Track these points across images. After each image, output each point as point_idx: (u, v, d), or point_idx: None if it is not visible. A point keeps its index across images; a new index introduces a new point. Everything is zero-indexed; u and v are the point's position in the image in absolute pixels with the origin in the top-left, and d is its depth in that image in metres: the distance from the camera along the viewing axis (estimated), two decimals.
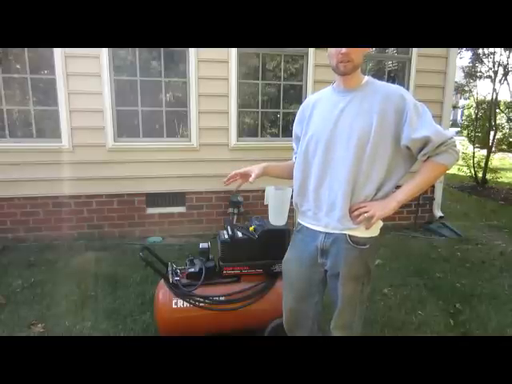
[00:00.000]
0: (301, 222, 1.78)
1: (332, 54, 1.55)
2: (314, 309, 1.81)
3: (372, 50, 4.92)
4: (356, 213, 1.52)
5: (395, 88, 1.56)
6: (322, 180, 1.62)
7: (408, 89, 4.74)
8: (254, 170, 1.81)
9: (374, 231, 1.62)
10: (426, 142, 1.47)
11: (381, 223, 1.65)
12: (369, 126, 1.51)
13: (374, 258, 1.74)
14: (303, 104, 1.79)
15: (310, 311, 1.81)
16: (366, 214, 1.50)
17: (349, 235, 1.58)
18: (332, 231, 1.62)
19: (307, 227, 1.72)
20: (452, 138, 1.49)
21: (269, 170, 1.88)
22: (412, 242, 4.45)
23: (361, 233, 1.58)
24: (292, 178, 1.82)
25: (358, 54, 1.53)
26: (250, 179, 1.77)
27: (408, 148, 1.52)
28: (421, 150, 1.50)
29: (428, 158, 1.51)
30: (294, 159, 1.90)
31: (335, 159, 1.58)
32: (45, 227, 4.17)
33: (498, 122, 8.40)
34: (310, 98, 1.77)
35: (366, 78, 1.62)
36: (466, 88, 8.32)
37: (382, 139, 1.51)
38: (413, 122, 1.48)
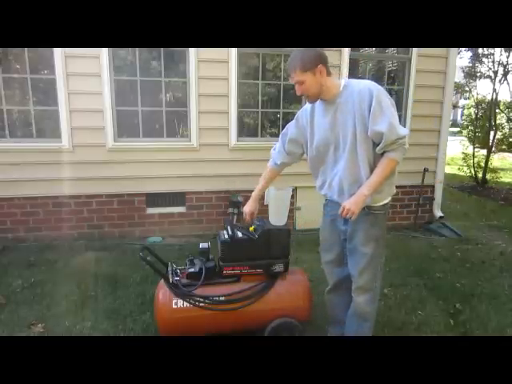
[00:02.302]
0: (326, 197, 2.12)
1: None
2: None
3: (372, 50, 4.93)
4: (343, 214, 1.82)
5: (365, 84, 1.80)
6: (332, 172, 1.95)
7: (408, 89, 4.74)
8: (247, 210, 2.25)
9: (387, 196, 1.93)
10: (381, 136, 1.75)
11: (394, 190, 1.98)
12: (354, 125, 1.79)
13: (386, 222, 2.02)
14: (299, 112, 2.07)
15: (345, 272, 2.09)
16: (349, 215, 1.80)
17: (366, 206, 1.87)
18: None
19: (331, 200, 2.04)
20: (403, 137, 1.76)
21: (261, 192, 2.24)
22: (412, 242, 4.45)
23: (374, 203, 1.89)
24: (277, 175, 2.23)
25: (309, 88, 1.80)
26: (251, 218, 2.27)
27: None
28: (378, 144, 1.78)
29: (383, 152, 1.80)
30: (274, 152, 2.20)
31: (340, 157, 1.89)
32: (45, 227, 4.16)
33: (498, 122, 8.38)
34: (306, 108, 2.03)
35: (343, 82, 1.86)
36: (466, 88, 8.32)
37: (364, 132, 1.78)
38: (375, 116, 1.74)
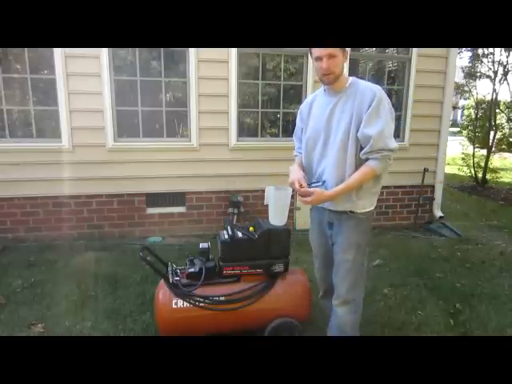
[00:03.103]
0: None
1: (316, 68, 1.80)
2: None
3: (372, 50, 4.93)
4: (299, 198, 1.81)
5: (371, 86, 1.79)
6: (319, 170, 1.89)
7: (408, 89, 4.74)
8: (295, 177, 1.91)
9: (368, 206, 1.89)
10: (368, 140, 1.72)
11: (375, 201, 1.93)
12: (350, 123, 1.76)
13: (370, 229, 1.99)
14: (302, 105, 2.05)
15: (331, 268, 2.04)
16: (304, 199, 1.80)
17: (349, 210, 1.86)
18: (331, 208, 1.89)
19: (316, 206, 1.97)
20: (390, 149, 1.72)
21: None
22: (412, 242, 4.45)
23: (355, 209, 1.85)
24: None
25: (336, 66, 1.74)
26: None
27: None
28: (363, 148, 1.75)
29: (366, 159, 1.77)
30: (296, 154, 2.14)
31: (327, 152, 1.85)
32: (45, 227, 4.16)
33: (498, 122, 8.37)
34: (307, 100, 2.03)
35: (350, 79, 1.85)
36: (466, 88, 8.31)
37: (357, 133, 1.75)
38: (369, 118, 1.71)
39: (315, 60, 1.76)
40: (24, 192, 4.06)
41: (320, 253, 2.11)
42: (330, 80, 1.79)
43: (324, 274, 2.14)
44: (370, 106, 1.72)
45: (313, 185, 1.87)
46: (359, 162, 1.80)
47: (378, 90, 1.75)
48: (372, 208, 1.92)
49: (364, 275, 1.99)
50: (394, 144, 1.75)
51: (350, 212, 1.86)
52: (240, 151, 4.44)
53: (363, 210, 1.87)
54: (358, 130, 1.75)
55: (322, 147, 1.87)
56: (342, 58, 1.74)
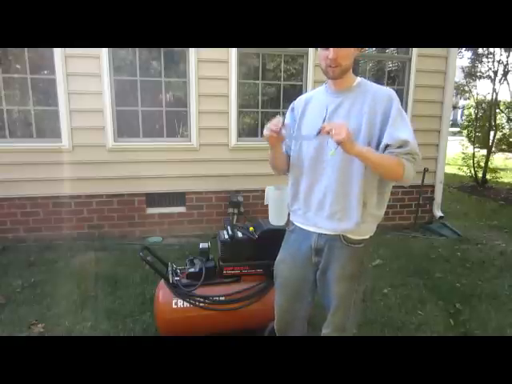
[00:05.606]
0: (293, 221, 1.78)
1: (321, 57, 1.54)
2: (306, 309, 1.82)
3: (372, 50, 4.92)
4: (330, 130, 1.38)
5: (385, 89, 1.58)
6: (313, 181, 1.63)
7: (408, 89, 4.75)
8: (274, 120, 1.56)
9: (369, 232, 1.64)
10: (403, 144, 1.47)
11: (375, 227, 1.66)
12: (358, 128, 1.51)
13: (370, 256, 1.74)
14: (294, 103, 1.77)
15: (303, 312, 1.82)
16: (335, 134, 1.36)
17: (342, 235, 1.59)
18: (324, 232, 1.62)
19: (300, 227, 1.71)
20: (419, 156, 1.51)
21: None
22: (412, 242, 4.45)
23: (354, 235, 1.59)
24: (282, 171, 1.80)
25: (346, 58, 1.52)
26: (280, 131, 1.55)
27: (386, 147, 1.50)
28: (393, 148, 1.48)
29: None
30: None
31: (326, 160, 1.58)
32: (45, 227, 4.16)
33: (498, 122, 8.37)
34: (301, 98, 1.76)
35: (359, 79, 1.62)
36: (466, 88, 8.31)
37: (368, 139, 1.52)
38: (396, 122, 1.49)
39: (321, 48, 1.53)
40: (24, 192, 4.05)
41: (293, 285, 1.76)
42: (335, 73, 1.53)
43: (291, 307, 1.80)
44: (387, 110, 1.51)
45: None
46: (369, 178, 1.53)
47: (393, 93, 1.55)
48: (368, 236, 1.64)
49: (358, 303, 1.73)
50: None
51: (344, 238, 1.59)
52: (240, 151, 4.44)
53: (360, 238, 1.60)
54: (368, 134, 1.51)
55: (315, 156, 1.60)
56: (353, 49, 1.53)
